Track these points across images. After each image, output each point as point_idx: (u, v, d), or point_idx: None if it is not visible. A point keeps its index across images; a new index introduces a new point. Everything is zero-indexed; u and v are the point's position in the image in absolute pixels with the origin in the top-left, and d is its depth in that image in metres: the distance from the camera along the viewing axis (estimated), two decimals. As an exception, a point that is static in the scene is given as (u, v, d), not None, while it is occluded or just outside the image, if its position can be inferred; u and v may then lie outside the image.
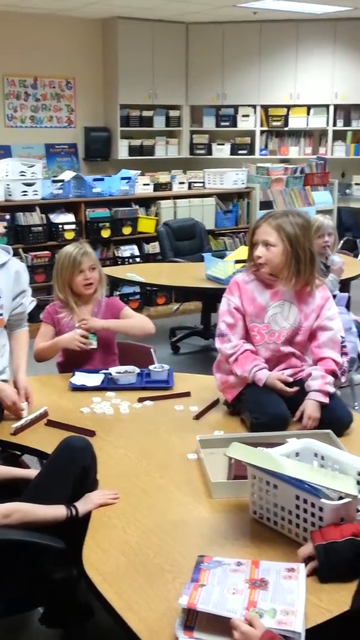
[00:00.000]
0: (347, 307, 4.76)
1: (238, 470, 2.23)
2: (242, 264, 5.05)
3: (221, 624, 1.51)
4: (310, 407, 2.67)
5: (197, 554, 1.79)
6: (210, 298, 5.87)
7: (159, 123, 9.32)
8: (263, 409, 2.68)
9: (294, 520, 1.92)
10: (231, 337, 2.87)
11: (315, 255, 2.89)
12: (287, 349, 2.86)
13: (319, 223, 4.92)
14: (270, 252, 2.81)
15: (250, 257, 2.92)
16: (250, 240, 2.92)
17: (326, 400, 2.69)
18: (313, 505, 1.86)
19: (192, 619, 1.55)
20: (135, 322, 3.46)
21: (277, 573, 1.65)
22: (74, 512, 2.09)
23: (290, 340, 2.85)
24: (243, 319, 2.88)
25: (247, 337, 2.88)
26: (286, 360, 2.87)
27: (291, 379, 2.79)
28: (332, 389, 2.73)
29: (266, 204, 7.62)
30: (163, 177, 7.64)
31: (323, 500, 1.84)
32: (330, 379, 2.75)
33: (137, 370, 3.20)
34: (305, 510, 1.88)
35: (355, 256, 8.32)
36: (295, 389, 2.76)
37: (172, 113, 9.41)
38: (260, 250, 2.83)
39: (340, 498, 1.89)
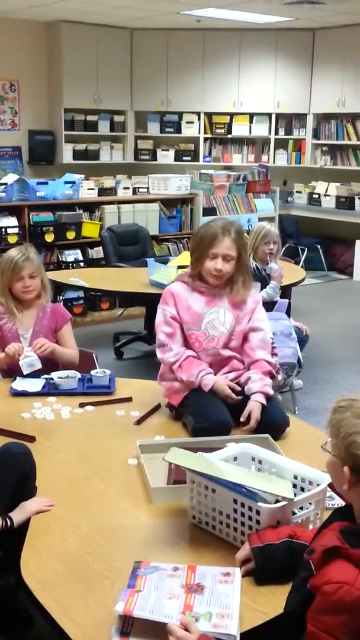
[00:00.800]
0: (288, 313, 4.83)
1: (178, 475, 2.24)
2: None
3: (158, 629, 1.52)
4: (256, 409, 2.73)
5: (136, 559, 1.80)
6: (153, 303, 5.80)
7: (104, 128, 9.30)
8: (206, 414, 2.71)
9: (231, 524, 1.95)
10: (172, 346, 2.90)
11: (249, 261, 3.00)
12: (227, 352, 2.90)
13: (266, 231, 4.99)
14: (229, 265, 2.87)
15: (197, 266, 2.91)
16: (203, 250, 2.87)
17: (265, 401, 2.76)
18: (250, 509, 1.89)
19: (128, 625, 1.55)
20: (71, 355, 3.37)
21: (213, 577, 1.67)
22: (8, 523, 2.07)
23: (226, 345, 2.90)
24: (181, 327, 2.91)
25: (187, 344, 2.91)
26: (229, 364, 2.92)
27: (239, 388, 2.84)
28: (271, 391, 2.81)
29: (209, 210, 7.68)
30: (108, 182, 7.63)
31: (260, 503, 1.87)
32: (269, 380, 2.83)
33: (79, 375, 3.20)
34: (242, 514, 1.91)
35: (297, 263, 8.46)
36: (240, 397, 2.80)
37: (117, 118, 9.41)
38: (221, 264, 2.85)
39: (277, 501, 1.92)
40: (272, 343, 3.01)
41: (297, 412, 4.71)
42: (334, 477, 1.58)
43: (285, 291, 5.23)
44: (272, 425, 2.67)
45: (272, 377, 2.87)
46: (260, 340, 2.92)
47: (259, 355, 2.89)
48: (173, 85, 9.36)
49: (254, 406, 2.73)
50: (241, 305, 2.93)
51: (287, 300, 4.90)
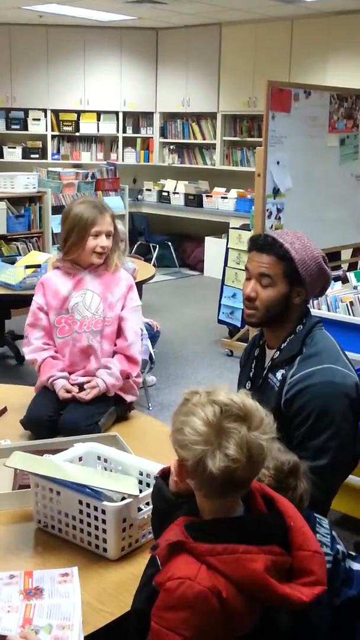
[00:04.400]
0: (138, 310, 4.83)
1: (23, 480, 2.18)
2: (33, 269, 4.98)
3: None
4: (97, 388, 2.76)
5: (-22, 570, 1.73)
6: (2, 304, 5.72)
7: None
8: (28, 410, 2.75)
9: (77, 526, 1.91)
10: (31, 339, 2.89)
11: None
12: (96, 344, 2.85)
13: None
14: (109, 242, 2.90)
15: (75, 249, 2.88)
16: (86, 231, 2.85)
17: (100, 391, 2.78)
18: (96, 508, 1.86)
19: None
20: None
21: (52, 579, 1.63)
22: None
23: (100, 333, 2.86)
24: (47, 318, 2.90)
25: (52, 333, 2.89)
26: (87, 360, 2.87)
27: (75, 390, 2.79)
28: (112, 393, 2.81)
29: (58, 209, 7.57)
30: None
31: (105, 502, 1.85)
32: (121, 383, 2.82)
33: None
34: (88, 515, 1.88)
35: (148, 260, 8.53)
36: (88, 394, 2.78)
37: None
38: (105, 241, 2.88)
39: (123, 499, 1.91)
40: (141, 334, 3.01)
41: (150, 408, 4.74)
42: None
43: (137, 288, 5.24)
44: (68, 424, 2.66)
45: (127, 377, 2.87)
46: (133, 332, 2.89)
47: (130, 353, 2.87)
48: (17, 81, 9.15)
49: (98, 382, 2.77)
50: (113, 289, 2.90)
51: (137, 298, 4.90)
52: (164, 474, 1.66)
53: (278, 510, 1.49)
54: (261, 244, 2.21)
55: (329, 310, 3.80)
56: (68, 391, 2.77)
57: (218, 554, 1.38)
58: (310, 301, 2.39)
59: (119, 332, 2.90)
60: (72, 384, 2.82)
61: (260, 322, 2.26)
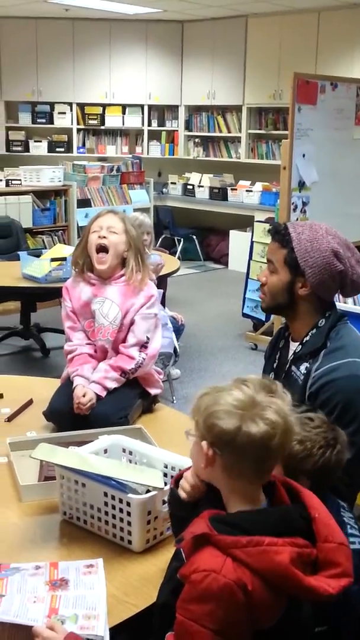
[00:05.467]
0: (163, 302, 4.85)
1: (49, 471, 2.20)
2: (59, 262, 5.00)
3: (23, 632, 1.48)
4: (88, 394, 2.72)
5: (4, 561, 1.74)
6: (28, 297, 5.77)
7: (-28, 118, 9.01)
8: (51, 401, 2.77)
9: (102, 518, 1.92)
10: (73, 339, 2.93)
11: (144, 253, 3.02)
12: (107, 346, 2.87)
13: (140, 221, 4.96)
14: (117, 238, 2.86)
15: (81, 255, 2.92)
16: (87, 231, 2.91)
17: (102, 393, 2.75)
18: (121, 501, 1.87)
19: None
20: None
21: (77, 570, 1.65)
22: None
23: (118, 340, 2.87)
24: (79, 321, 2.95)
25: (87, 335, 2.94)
26: (105, 355, 2.90)
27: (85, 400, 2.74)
28: (110, 385, 2.78)
29: (84, 202, 7.61)
30: (-23, 174, 7.40)
31: (130, 495, 1.86)
32: (114, 374, 2.79)
33: None
34: (113, 507, 1.89)
35: (173, 254, 8.52)
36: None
37: (-14, 108, 9.14)
38: (106, 232, 2.85)
39: (148, 491, 1.91)
40: (146, 341, 2.93)
41: (175, 401, 4.75)
42: (195, 460, 1.57)
43: (161, 281, 5.25)
44: (99, 417, 2.66)
45: (124, 373, 2.82)
46: (132, 337, 2.86)
47: (127, 351, 2.84)
48: (43, 75, 9.18)
49: (87, 392, 2.73)
50: (132, 299, 2.87)
51: (161, 290, 4.91)
52: (178, 481, 1.68)
53: (302, 502, 1.49)
54: (272, 231, 2.24)
55: (354, 304, 3.77)
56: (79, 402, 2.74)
57: (243, 546, 1.38)
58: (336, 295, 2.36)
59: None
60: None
61: (268, 308, 2.30)
